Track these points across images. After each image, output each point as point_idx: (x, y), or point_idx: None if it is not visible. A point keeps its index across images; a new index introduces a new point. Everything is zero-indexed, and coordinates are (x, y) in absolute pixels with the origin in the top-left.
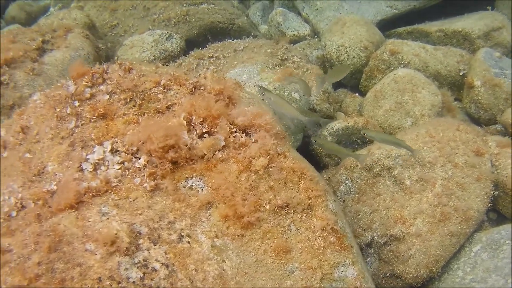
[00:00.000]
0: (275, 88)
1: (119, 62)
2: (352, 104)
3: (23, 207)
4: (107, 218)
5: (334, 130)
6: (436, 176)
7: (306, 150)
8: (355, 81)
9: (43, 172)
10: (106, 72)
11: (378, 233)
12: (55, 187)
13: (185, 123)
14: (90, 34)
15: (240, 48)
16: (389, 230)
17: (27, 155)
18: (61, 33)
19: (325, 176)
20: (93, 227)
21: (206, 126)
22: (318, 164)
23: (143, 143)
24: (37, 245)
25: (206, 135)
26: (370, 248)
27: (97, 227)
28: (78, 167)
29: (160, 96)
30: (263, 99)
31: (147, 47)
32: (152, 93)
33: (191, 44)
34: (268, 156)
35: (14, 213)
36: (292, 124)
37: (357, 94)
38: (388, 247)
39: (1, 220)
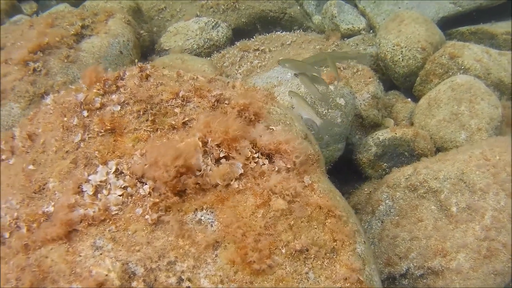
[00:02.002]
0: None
1: (139, 65)
2: (403, 110)
3: (17, 227)
4: (101, 254)
5: (380, 140)
6: (487, 205)
7: (349, 158)
8: (408, 84)
9: (43, 189)
10: (122, 78)
11: (415, 264)
12: (52, 209)
13: (200, 144)
14: (132, 19)
15: (287, 42)
16: (427, 262)
17: (31, 166)
18: (102, 17)
19: (366, 189)
20: (83, 263)
21: (224, 150)
22: (360, 175)
23: (148, 166)
24: (18, 282)
25: (223, 160)
26: (404, 279)
27: (87, 264)
28: (76, 190)
29: (177, 110)
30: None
31: (191, 35)
32: (168, 105)
33: (239, 33)
34: (289, 199)
35: (6, 235)
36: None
37: (409, 99)
38: (424, 281)
39: None
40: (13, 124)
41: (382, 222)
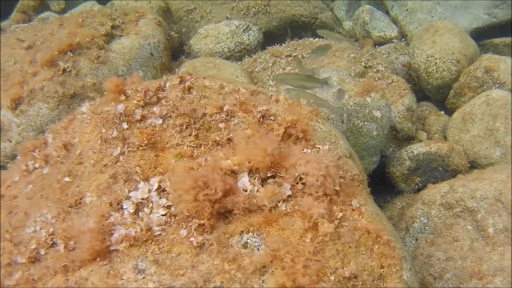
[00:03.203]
0: (355, 103)
1: (180, 75)
2: (436, 123)
3: (53, 244)
4: (143, 277)
5: (414, 154)
6: None
7: (382, 172)
8: (442, 96)
9: (80, 203)
10: (163, 89)
11: (450, 285)
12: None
13: (237, 168)
14: (162, 20)
15: None
16: (462, 284)
17: (67, 178)
18: (133, 18)
19: (398, 204)
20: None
21: (272, 169)
22: (391, 187)
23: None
24: None
25: (270, 180)
26: None
27: None
28: (107, 210)
29: (221, 125)
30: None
31: (222, 38)
32: (212, 120)
33: (269, 37)
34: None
35: (42, 252)
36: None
37: (442, 112)
38: None
39: (28, 256)
40: (41, 125)
41: (416, 239)
